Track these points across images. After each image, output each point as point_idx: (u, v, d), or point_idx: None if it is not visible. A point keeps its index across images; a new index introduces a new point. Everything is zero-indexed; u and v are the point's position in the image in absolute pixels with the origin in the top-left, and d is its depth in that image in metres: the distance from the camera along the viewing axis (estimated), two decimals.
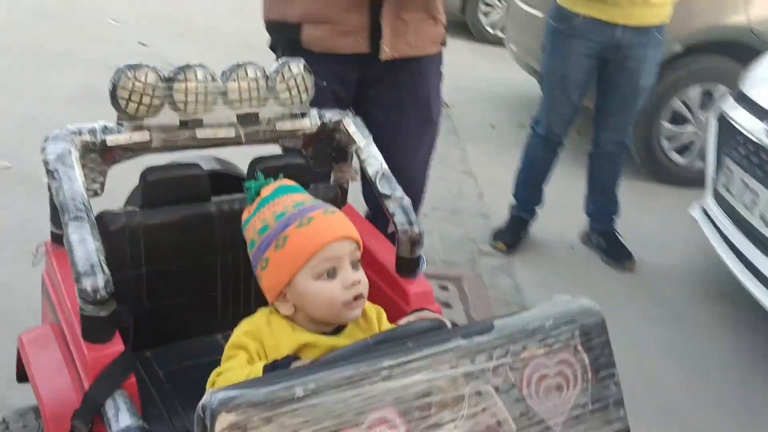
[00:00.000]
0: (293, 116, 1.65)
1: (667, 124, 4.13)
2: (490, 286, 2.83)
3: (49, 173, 1.38)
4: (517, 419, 1.09)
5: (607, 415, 1.17)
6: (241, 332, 1.26)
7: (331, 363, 1.00)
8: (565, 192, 3.66)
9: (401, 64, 2.08)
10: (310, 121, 1.68)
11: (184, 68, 1.50)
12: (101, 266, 1.27)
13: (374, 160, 1.68)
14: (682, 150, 4.24)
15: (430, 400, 1.02)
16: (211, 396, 0.89)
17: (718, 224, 2.93)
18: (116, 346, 1.30)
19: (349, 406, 0.96)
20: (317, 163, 1.77)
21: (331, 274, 1.23)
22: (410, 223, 1.60)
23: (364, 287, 1.26)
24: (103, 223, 1.44)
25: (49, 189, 1.44)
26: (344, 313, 1.25)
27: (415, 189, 2.17)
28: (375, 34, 2.02)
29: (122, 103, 1.46)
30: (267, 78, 1.58)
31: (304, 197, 1.31)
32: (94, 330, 1.28)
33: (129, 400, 1.24)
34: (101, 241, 1.30)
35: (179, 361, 1.55)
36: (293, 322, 1.27)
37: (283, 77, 1.61)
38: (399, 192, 1.64)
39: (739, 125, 2.79)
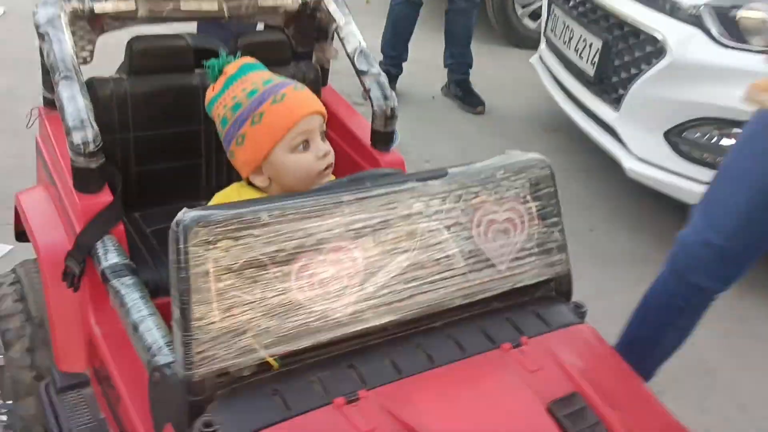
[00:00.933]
0: None
1: None
2: None
3: (40, 36, 1.47)
4: (465, 256, 1.20)
5: (550, 257, 1.29)
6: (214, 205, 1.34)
7: (295, 197, 1.11)
8: (427, 52, 4.19)
9: None
10: (293, 0, 1.75)
11: None
12: (90, 121, 1.37)
13: (353, 38, 1.75)
14: (533, 16, 4.78)
15: (386, 233, 1.14)
16: (184, 214, 1.00)
17: (549, 67, 3.49)
18: (105, 196, 1.41)
19: (310, 233, 1.07)
20: (298, 43, 1.84)
21: (305, 146, 1.31)
22: (385, 98, 1.69)
23: (332, 157, 1.35)
24: (93, 89, 1.53)
25: (41, 53, 1.52)
26: (317, 181, 1.33)
27: None
28: None
29: None
30: None
31: (269, 74, 1.36)
32: (84, 180, 1.39)
33: (117, 242, 1.36)
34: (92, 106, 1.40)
35: (165, 221, 1.65)
36: (266, 193, 1.35)
37: None
38: (375, 68, 1.72)
39: None
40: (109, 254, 1.33)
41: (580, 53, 3.07)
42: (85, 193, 1.39)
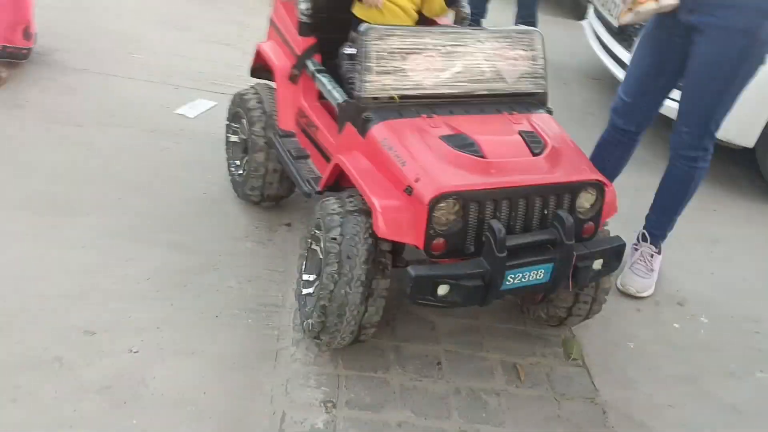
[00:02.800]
0: None
1: None
2: None
3: None
4: (490, 67, 2.46)
5: (536, 81, 2.53)
6: None
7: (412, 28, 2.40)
8: (503, 14, 5.44)
9: None
10: None
11: None
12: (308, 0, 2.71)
13: None
14: None
15: (453, 51, 2.41)
16: (365, 27, 2.30)
17: (594, 27, 4.69)
18: (312, 39, 2.74)
19: (417, 44, 2.36)
20: None
21: None
22: (464, 8, 2.95)
23: None
24: None
25: None
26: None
27: None
28: None
29: None
30: None
31: None
32: (304, 29, 2.72)
33: (318, 62, 2.69)
34: None
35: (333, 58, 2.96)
36: None
37: None
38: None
39: None
40: (316, 66, 2.67)
41: (611, 11, 4.28)
42: (304, 36, 2.73)
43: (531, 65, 2.53)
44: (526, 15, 5.13)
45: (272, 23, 3.02)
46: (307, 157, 2.70)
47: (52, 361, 2.20)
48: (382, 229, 2.08)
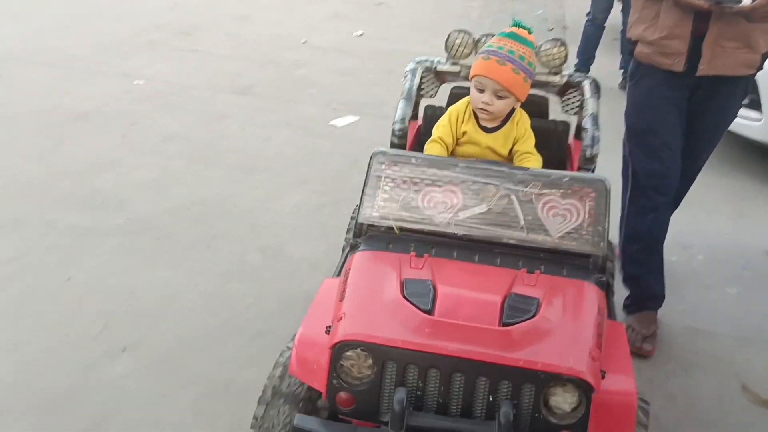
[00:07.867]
0: (549, 73, 2.70)
1: None
2: None
3: (405, 76, 2.76)
4: (526, 219, 2.05)
5: (591, 241, 2.02)
6: (441, 125, 2.39)
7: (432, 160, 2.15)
8: (608, 58, 6.54)
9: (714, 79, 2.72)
10: (560, 78, 2.70)
11: (487, 35, 2.70)
12: (403, 119, 2.60)
13: (591, 107, 2.60)
14: None
15: (479, 190, 2.08)
16: (377, 150, 2.14)
17: None
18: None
19: (436, 175, 2.10)
20: (566, 107, 2.77)
21: (480, 90, 2.30)
22: (591, 147, 2.51)
23: (490, 108, 2.28)
24: (426, 108, 2.76)
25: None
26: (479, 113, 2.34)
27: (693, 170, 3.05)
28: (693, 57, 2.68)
29: (451, 50, 2.74)
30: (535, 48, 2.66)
31: (513, 46, 2.28)
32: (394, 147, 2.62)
33: None
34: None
35: None
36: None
37: (548, 50, 2.66)
38: (595, 128, 2.54)
39: None
40: None
41: None
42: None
43: (586, 220, 2.04)
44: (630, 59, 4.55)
45: None
46: None
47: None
48: (293, 366, 1.87)
